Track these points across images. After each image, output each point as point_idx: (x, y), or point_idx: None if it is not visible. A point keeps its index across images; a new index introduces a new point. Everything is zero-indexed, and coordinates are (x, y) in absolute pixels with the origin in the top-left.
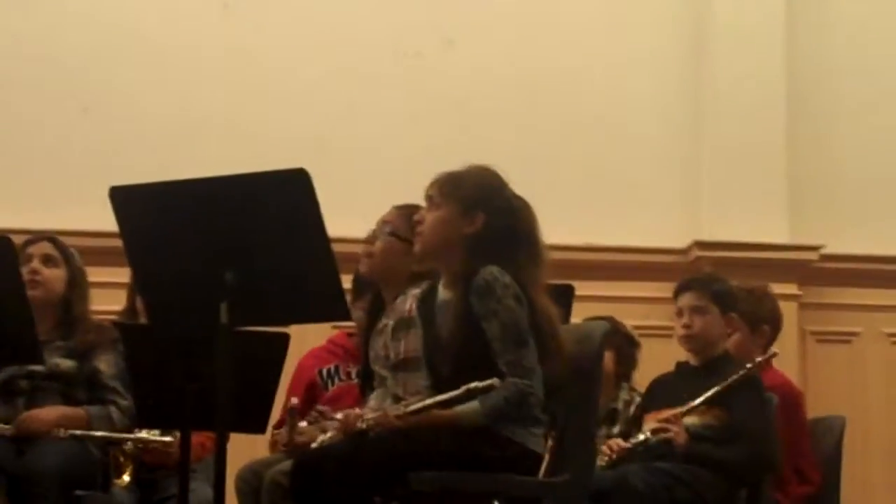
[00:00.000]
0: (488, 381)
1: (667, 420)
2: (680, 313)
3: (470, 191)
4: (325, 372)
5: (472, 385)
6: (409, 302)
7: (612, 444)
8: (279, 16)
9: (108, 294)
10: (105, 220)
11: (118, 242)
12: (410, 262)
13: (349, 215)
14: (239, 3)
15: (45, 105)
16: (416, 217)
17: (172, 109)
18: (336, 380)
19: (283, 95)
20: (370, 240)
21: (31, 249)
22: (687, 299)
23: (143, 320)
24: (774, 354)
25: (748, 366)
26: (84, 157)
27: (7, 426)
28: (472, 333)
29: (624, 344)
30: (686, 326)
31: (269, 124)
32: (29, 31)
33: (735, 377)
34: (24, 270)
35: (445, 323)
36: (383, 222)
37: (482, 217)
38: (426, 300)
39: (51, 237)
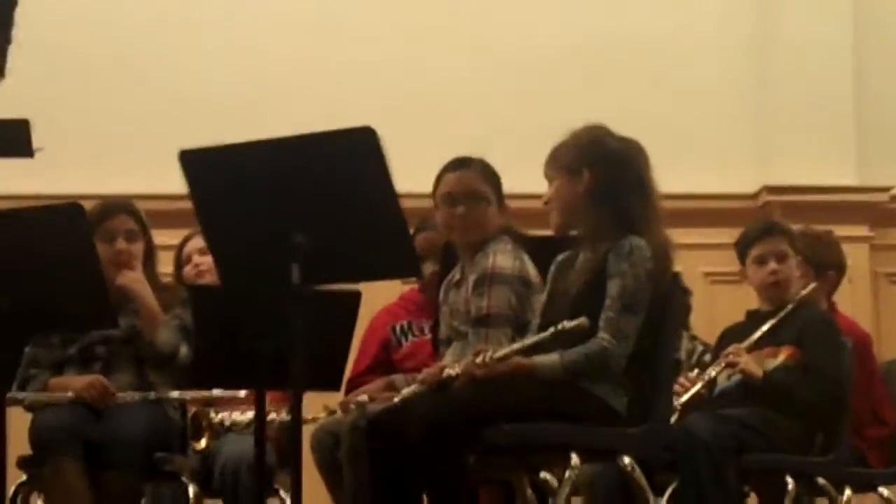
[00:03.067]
0: (577, 321)
1: (732, 353)
2: (762, 260)
3: (569, 155)
4: (398, 328)
5: (561, 325)
6: (491, 258)
7: (682, 382)
8: None
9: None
10: (166, 182)
11: (180, 205)
12: (496, 219)
13: (418, 171)
14: None
15: (107, 73)
16: (542, 200)
17: (233, 74)
18: (410, 335)
19: (347, 53)
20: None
21: (113, 224)
22: (772, 245)
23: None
24: (813, 287)
25: (802, 293)
26: (146, 122)
27: (67, 394)
28: (596, 289)
29: None
30: (774, 273)
31: (333, 84)
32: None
33: (787, 309)
34: (108, 247)
35: (576, 278)
36: (467, 185)
37: (587, 173)
38: (565, 263)
39: (128, 208)
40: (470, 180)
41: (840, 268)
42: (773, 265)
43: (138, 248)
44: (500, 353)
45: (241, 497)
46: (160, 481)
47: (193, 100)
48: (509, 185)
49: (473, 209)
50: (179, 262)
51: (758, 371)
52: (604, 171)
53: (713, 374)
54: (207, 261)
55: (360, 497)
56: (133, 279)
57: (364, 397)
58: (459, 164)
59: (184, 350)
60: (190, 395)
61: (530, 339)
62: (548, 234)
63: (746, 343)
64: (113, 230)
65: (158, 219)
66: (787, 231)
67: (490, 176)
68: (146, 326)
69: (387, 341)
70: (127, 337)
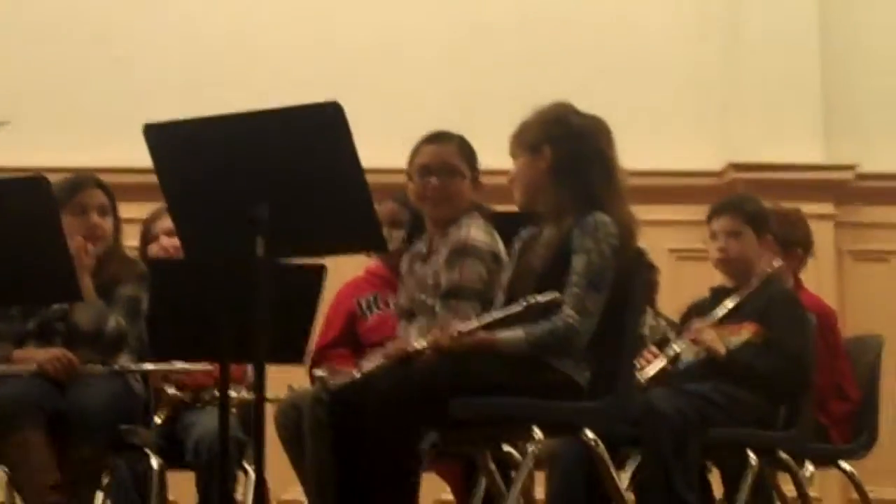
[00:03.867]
0: (549, 295)
1: (695, 330)
2: (714, 237)
3: (532, 132)
4: (363, 301)
5: (532, 298)
6: (465, 231)
7: (646, 356)
8: None
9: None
10: (135, 157)
11: (147, 178)
12: (469, 193)
13: (383, 146)
14: None
15: (73, 47)
16: (507, 178)
17: (204, 49)
18: (375, 308)
19: (314, 28)
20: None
21: (85, 198)
22: (721, 223)
23: None
24: (779, 264)
25: (767, 271)
26: (115, 96)
27: (28, 367)
28: (561, 265)
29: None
30: (721, 250)
31: (298, 59)
32: None
33: (751, 286)
34: (79, 220)
35: (540, 253)
36: (441, 159)
37: (548, 150)
38: (529, 239)
39: (99, 182)
40: (446, 154)
41: (807, 245)
42: (720, 242)
43: (109, 223)
44: (468, 326)
45: (216, 470)
46: (123, 454)
47: (160, 74)
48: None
49: (447, 182)
50: (146, 238)
51: (721, 348)
52: (565, 147)
53: (677, 349)
54: (175, 243)
55: (321, 471)
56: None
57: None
58: (437, 138)
59: (111, 324)
60: (154, 367)
61: (500, 313)
62: (513, 210)
63: (710, 319)
64: (86, 204)
65: (124, 192)
66: (741, 208)
67: (467, 152)
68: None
69: (352, 314)
70: (66, 317)
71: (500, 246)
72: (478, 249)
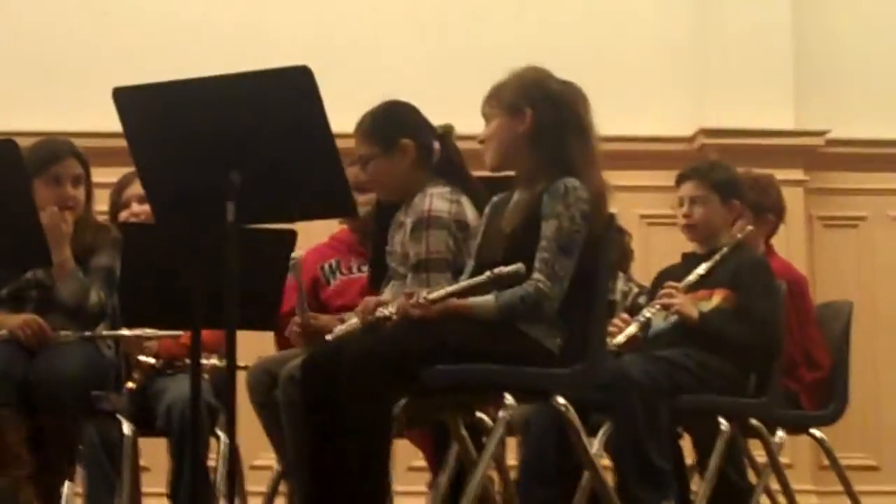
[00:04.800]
0: (514, 267)
1: (666, 295)
2: (681, 203)
3: (511, 93)
4: (326, 267)
5: (497, 270)
6: (427, 201)
7: (617, 323)
8: None
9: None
10: (103, 120)
11: (118, 143)
12: (398, 163)
13: (353, 110)
14: None
15: (63, 8)
16: (478, 138)
17: (176, 12)
18: (338, 274)
19: None
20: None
21: (61, 168)
22: (686, 189)
23: None
24: (749, 230)
25: (738, 237)
26: (88, 59)
27: (1, 332)
28: (531, 229)
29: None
30: (686, 216)
31: (275, 24)
32: None
33: (722, 252)
34: (54, 190)
35: (510, 217)
36: (357, 154)
37: (529, 113)
38: (499, 203)
39: (75, 151)
40: (357, 145)
41: (779, 211)
42: (684, 209)
43: (82, 193)
44: (435, 294)
45: (188, 436)
46: (95, 421)
47: (130, 37)
48: (441, 121)
49: (368, 172)
50: (116, 205)
51: (693, 312)
52: (546, 111)
53: (648, 315)
54: (146, 209)
55: (297, 449)
56: (54, 223)
57: (300, 253)
58: (356, 126)
59: (93, 298)
60: (125, 333)
61: (465, 283)
62: (483, 173)
63: (682, 284)
64: (61, 174)
65: (94, 157)
66: (707, 174)
67: (372, 131)
68: (55, 275)
69: (315, 280)
70: (50, 289)
71: (469, 211)
72: (440, 220)
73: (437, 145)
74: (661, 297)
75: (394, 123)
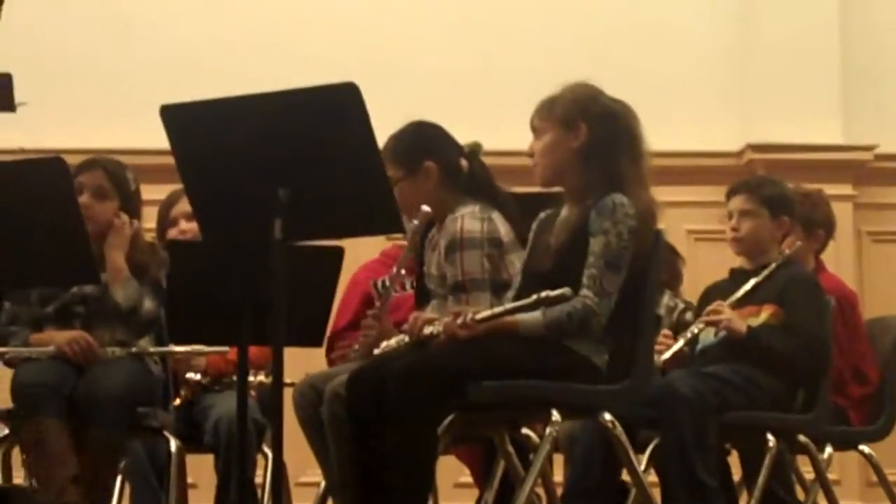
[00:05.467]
0: (560, 291)
1: (714, 312)
2: (729, 216)
3: (566, 107)
4: (379, 284)
5: (544, 294)
6: (459, 222)
7: (662, 340)
8: None
9: (155, 212)
10: (151, 137)
11: (164, 160)
12: (423, 185)
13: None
14: None
15: (92, 27)
16: (527, 150)
17: (215, 29)
18: (391, 291)
19: (330, 8)
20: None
21: (84, 178)
22: (736, 202)
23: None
24: (799, 246)
25: (786, 252)
26: (130, 76)
27: (48, 349)
28: (579, 245)
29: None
30: (734, 230)
31: (313, 43)
32: None
33: (770, 268)
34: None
35: (558, 233)
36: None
37: (584, 128)
38: (547, 219)
39: (104, 164)
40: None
41: (829, 227)
42: (732, 222)
43: (106, 206)
44: (481, 314)
45: (234, 452)
46: (142, 437)
47: (177, 54)
48: (475, 138)
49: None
50: (164, 222)
51: (742, 327)
52: (601, 128)
53: (696, 331)
54: (194, 227)
55: (343, 465)
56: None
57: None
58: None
59: (147, 305)
60: (173, 349)
61: (511, 305)
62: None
63: (729, 300)
64: (82, 183)
65: (143, 174)
66: (757, 188)
67: (396, 154)
68: (109, 282)
69: (368, 297)
70: (104, 297)
71: (501, 227)
72: (472, 240)
73: (464, 163)
74: (709, 314)
75: (417, 146)
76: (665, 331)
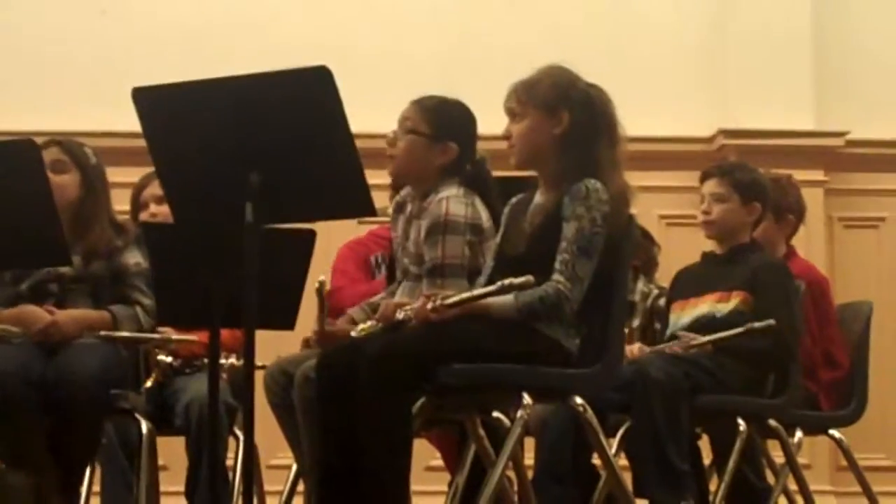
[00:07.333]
0: (524, 278)
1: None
2: (702, 200)
3: (548, 92)
4: (374, 258)
5: (508, 281)
6: (444, 205)
7: (633, 350)
8: None
9: (126, 194)
10: (123, 120)
11: (136, 143)
12: (434, 156)
13: (372, 111)
14: None
15: (63, 8)
16: (503, 132)
17: (190, 11)
18: (384, 267)
19: None
20: (392, 142)
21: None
22: (709, 186)
23: None
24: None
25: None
26: (102, 59)
27: (16, 330)
28: (552, 230)
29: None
30: (705, 213)
31: (288, 23)
32: None
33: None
34: None
35: (532, 217)
36: (403, 119)
37: (566, 115)
38: (520, 204)
39: (59, 140)
40: (407, 114)
41: (799, 212)
42: (704, 205)
43: (65, 179)
44: (451, 299)
45: (205, 435)
46: (113, 419)
47: (149, 36)
48: None
49: (405, 143)
50: (136, 205)
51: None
52: (581, 114)
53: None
54: (164, 210)
55: (314, 449)
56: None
57: (322, 278)
58: (419, 98)
59: (146, 301)
60: (141, 336)
61: (478, 291)
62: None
63: (695, 342)
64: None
65: (114, 156)
66: (730, 173)
67: (430, 111)
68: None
69: (368, 263)
70: (79, 275)
71: (482, 213)
72: (456, 225)
73: (468, 167)
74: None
75: (455, 124)
76: (639, 345)
